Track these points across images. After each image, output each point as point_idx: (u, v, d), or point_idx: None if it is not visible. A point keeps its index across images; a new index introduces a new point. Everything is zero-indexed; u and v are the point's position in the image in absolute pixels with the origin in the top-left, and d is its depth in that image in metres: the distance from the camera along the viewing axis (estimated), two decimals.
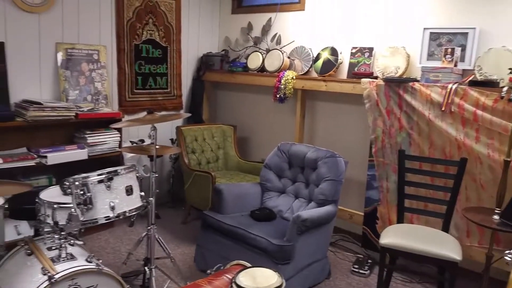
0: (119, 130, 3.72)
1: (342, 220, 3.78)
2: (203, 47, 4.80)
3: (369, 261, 3.41)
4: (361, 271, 3.29)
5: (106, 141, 3.65)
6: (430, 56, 3.30)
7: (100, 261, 2.23)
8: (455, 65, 3.06)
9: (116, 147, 3.74)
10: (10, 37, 3.35)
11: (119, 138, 3.74)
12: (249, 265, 2.03)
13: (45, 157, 3.26)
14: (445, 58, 3.09)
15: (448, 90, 2.94)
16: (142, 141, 4.01)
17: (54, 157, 3.30)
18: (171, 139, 4.48)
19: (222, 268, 2.06)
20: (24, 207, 2.62)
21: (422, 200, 3.09)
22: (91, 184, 2.26)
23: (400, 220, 3.08)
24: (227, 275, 1.92)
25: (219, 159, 4.37)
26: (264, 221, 3.14)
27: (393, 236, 2.73)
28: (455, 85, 2.92)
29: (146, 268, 2.74)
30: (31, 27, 3.46)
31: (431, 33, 3.29)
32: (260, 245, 2.81)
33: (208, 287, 1.82)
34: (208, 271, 2.01)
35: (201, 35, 4.78)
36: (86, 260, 2.19)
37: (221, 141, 4.42)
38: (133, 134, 4.16)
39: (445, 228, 2.90)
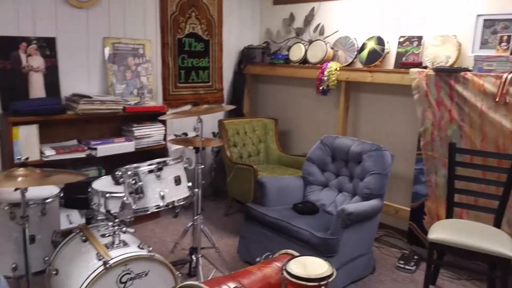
0: (164, 123, 3.80)
1: (386, 215, 3.70)
2: (244, 39, 4.80)
3: (415, 257, 3.33)
4: (407, 267, 3.22)
5: (152, 134, 3.73)
6: (483, 44, 3.16)
7: (151, 248, 2.28)
8: (511, 53, 2.93)
9: (161, 140, 3.81)
10: (60, 33, 3.47)
11: (164, 131, 3.81)
12: (297, 254, 2.03)
13: (95, 149, 3.36)
14: (500, 46, 2.96)
15: (503, 80, 2.81)
16: (186, 134, 4.06)
17: (104, 149, 3.41)
18: (213, 133, 4.52)
19: (271, 256, 2.07)
20: (77, 197, 2.72)
21: (472, 195, 2.99)
22: (142, 173, 2.31)
23: (449, 215, 3.00)
24: (276, 263, 1.94)
25: (260, 152, 4.38)
26: (307, 214, 3.13)
27: (443, 231, 2.66)
28: (511, 75, 2.80)
29: (192, 257, 2.79)
30: (80, 22, 3.57)
31: (485, 20, 3.15)
32: (303, 238, 2.81)
33: (259, 273, 1.83)
34: (258, 259, 2.03)
35: (242, 27, 4.79)
36: (138, 247, 2.25)
37: (262, 134, 4.42)
38: (177, 127, 4.23)
39: (497, 224, 2.80)
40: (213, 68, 4.56)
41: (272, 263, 1.95)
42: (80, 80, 3.64)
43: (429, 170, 3.32)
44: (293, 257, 1.92)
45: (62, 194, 2.60)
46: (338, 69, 3.84)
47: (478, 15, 3.17)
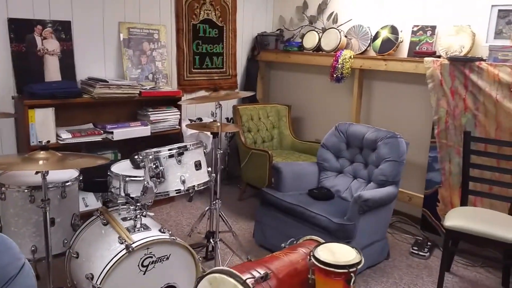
0: (179, 108, 3.81)
1: (400, 202, 3.72)
2: (257, 26, 4.79)
3: (429, 243, 3.36)
4: (420, 253, 3.25)
5: (167, 118, 3.74)
6: (498, 34, 3.16)
7: (170, 232, 2.29)
8: None
9: (176, 125, 3.83)
10: (76, 16, 3.46)
11: (179, 116, 3.82)
12: (322, 240, 2.04)
13: (111, 133, 3.38)
14: None
15: None
16: (200, 119, 4.08)
17: (120, 133, 3.42)
18: (227, 118, 4.54)
19: (295, 242, 2.08)
20: (96, 180, 2.73)
21: (487, 183, 3.00)
22: (163, 158, 2.32)
23: (463, 203, 3.02)
24: (302, 249, 1.95)
25: (274, 138, 4.40)
26: (322, 200, 3.15)
27: (458, 218, 2.68)
28: None
29: (211, 240, 2.82)
30: (95, 6, 3.56)
31: (499, 10, 3.14)
32: (320, 223, 2.83)
33: (286, 259, 1.85)
34: (282, 245, 2.04)
35: (255, 14, 4.77)
36: (160, 231, 2.26)
37: (276, 120, 4.43)
38: (191, 112, 4.24)
39: None
40: (227, 54, 4.56)
41: (298, 249, 1.97)
42: (96, 64, 3.65)
43: (443, 158, 3.33)
44: (320, 243, 1.93)
45: (81, 178, 2.60)
46: (352, 57, 3.83)
47: (493, 5, 3.16)
